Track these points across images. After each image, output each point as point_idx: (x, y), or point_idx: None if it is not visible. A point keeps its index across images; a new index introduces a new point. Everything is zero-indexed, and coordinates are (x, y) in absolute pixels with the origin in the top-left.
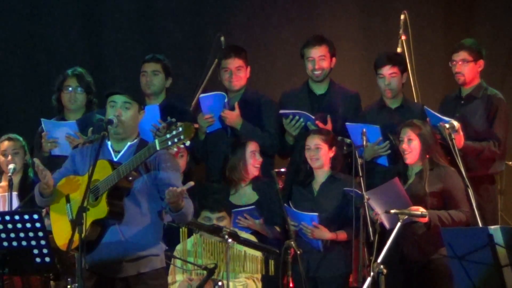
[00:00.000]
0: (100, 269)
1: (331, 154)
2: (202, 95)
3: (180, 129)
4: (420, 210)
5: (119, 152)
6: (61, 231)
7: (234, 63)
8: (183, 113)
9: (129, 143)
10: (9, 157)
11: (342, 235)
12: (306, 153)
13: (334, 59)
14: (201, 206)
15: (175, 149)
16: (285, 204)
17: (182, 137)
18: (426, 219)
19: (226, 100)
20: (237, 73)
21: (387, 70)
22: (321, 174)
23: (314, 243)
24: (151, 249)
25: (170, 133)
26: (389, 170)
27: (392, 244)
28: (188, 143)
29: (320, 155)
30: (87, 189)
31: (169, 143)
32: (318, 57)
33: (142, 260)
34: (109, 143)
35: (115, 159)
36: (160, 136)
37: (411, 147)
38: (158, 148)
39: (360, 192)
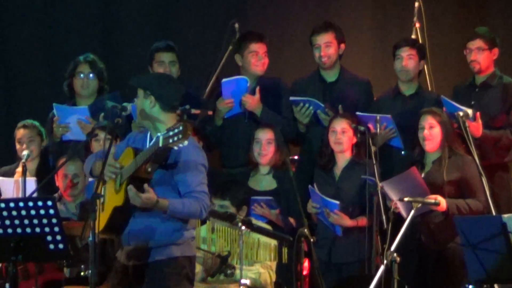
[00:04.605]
0: (121, 255)
1: (354, 140)
2: (224, 79)
3: (181, 128)
4: (438, 198)
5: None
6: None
7: (263, 47)
8: (194, 98)
9: (158, 134)
10: (24, 145)
11: (362, 221)
12: (331, 136)
13: (342, 45)
14: (213, 192)
15: (175, 148)
16: (310, 186)
17: (180, 136)
18: (444, 208)
19: (248, 84)
20: (265, 58)
21: (406, 52)
22: (343, 159)
23: (333, 228)
24: (166, 239)
25: (173, 131)
26: (405, 158)
27: (406, 232)
28: (186, 143)
29: (344, 139)
30: (100, 176)
31: (170, 140)
32: (324, 44)
33: (158, 248)
34: (149, 132)
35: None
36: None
37: (432, 134)
38: (160, 144)
39: (375, 180)
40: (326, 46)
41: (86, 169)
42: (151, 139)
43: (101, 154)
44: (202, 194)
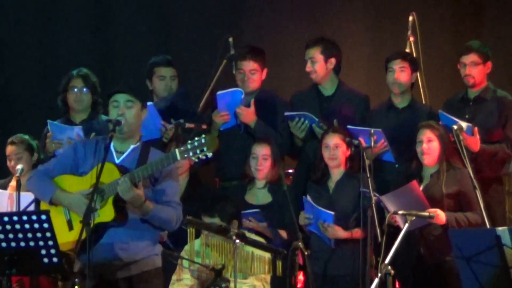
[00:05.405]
0: (99, 270)
1: (348, 153)
2: (219, 92)
3: (203, 140)
4: (438, 212)
5: (122, 153)
6: (57, 230)
7: (249, 65)
8: (188, 112)
9: (132, 146)
10: (12, 162)
11: (357, 233)
12: (324, 152)
13: (332, 60)
14: (202, 210)
15: (196, 160)
16: (304, 197)
17: (205, 149)
18: (443, 221)
19: (243, 96)
20: (251, 76)
21: (398, 64)
22: (337, 172)
23: (325, 239)
24: (150, 250)
25: (192, 144)
26: (402, 171)
27: (401, 245)
28: (210, 155)
29: (339, 154)
30: (95, 189)
31: (191, 153)
32: (309, 59)
33: (141, 261)
34: (111, 143)
35: (116, 161)
36: (167, 137)
37: (431, 148)
38: (178, 158)
39: (373, 194)
40: (310, 61)
41: (34, 188)
42: (116, 151)
43: (45, 171)
44: (179, 206)
